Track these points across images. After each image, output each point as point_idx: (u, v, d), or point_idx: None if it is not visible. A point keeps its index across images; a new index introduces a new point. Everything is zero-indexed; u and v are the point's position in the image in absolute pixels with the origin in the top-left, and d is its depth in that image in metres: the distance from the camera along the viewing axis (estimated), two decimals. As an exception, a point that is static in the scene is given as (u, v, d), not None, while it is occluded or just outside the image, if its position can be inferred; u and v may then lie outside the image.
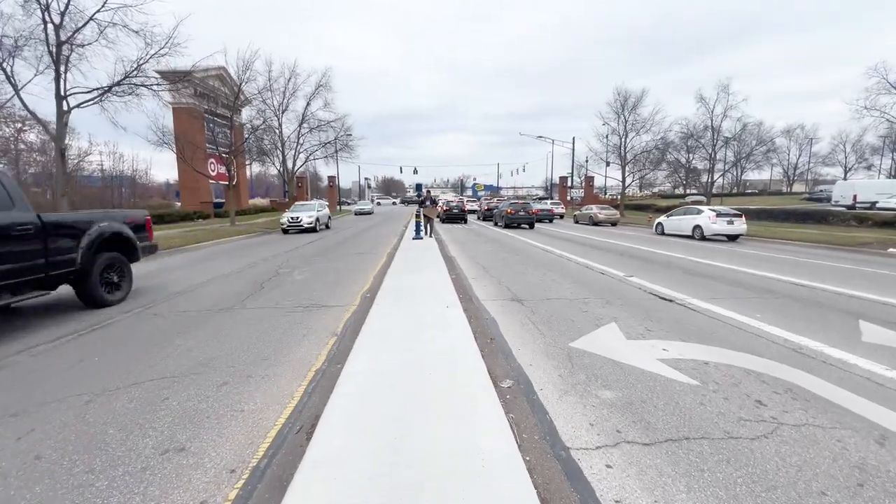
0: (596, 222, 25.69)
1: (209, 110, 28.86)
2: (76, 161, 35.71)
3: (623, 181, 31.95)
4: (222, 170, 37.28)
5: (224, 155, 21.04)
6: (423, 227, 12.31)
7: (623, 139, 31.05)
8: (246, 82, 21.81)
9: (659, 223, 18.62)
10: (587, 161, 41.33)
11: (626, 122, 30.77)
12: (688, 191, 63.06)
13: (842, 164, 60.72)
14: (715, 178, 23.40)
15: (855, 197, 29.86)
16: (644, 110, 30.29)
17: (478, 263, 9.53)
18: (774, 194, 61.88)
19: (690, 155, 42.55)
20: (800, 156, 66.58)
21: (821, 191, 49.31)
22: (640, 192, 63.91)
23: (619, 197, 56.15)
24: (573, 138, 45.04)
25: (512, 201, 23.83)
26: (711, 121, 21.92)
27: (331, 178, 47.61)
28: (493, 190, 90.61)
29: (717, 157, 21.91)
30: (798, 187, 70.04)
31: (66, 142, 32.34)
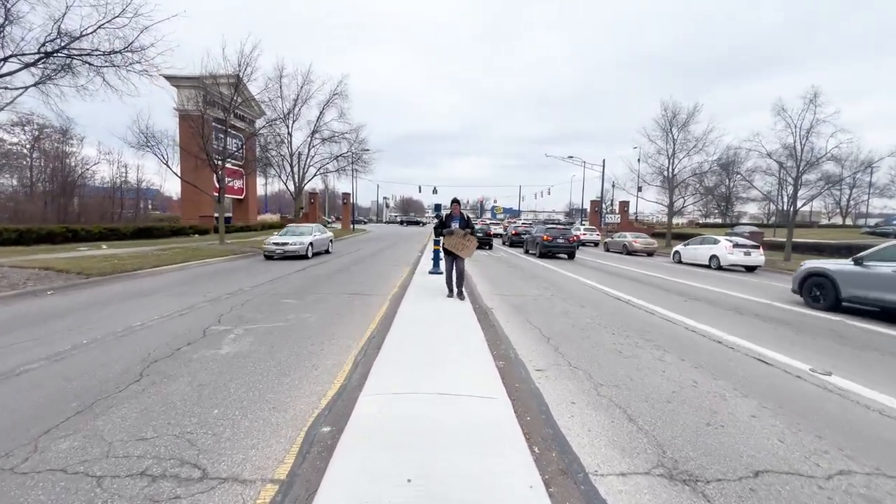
0: (630, 251, 22.55)
1: (218, 119, 26.73)
2: (79, 170, 34.00)
3: (670, 206, 27.99)
4: (231, 183, 35.25)
5: (217, 161, 18.19)
6: (444, 265, 6.36)
7: (671, 159, 27.31)
8: (248, 80, 19.13)
9: (676, 252, 18.66)
10: (613, 185, 37.66)
11: (674, 140, 27.10)
12: (729, 219, 58.08)
13: (901, 196, 54.93)
14: (799, 205, 19.24)
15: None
16: (696, 127, 26.61)
17: (538, 331, 5.89)
18: (831, 226, 56.04)
19: (730, 180, 38.46)
20: (854, 185, 61.08)
21: (887, 223, 43.90)
22: (667, 219, 59.24)
23: (653, 224, 51.92)
24: (603, 161, 41.71)
25: (549, 226, 20.23)
26: (797, 137, 18.03)
27: (345, 195, 45.09)
28: (513, 213, 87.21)
29: (801, 180, 17.93)
30: (843, 219, 63.94)
31: (67, 147, 30.41)
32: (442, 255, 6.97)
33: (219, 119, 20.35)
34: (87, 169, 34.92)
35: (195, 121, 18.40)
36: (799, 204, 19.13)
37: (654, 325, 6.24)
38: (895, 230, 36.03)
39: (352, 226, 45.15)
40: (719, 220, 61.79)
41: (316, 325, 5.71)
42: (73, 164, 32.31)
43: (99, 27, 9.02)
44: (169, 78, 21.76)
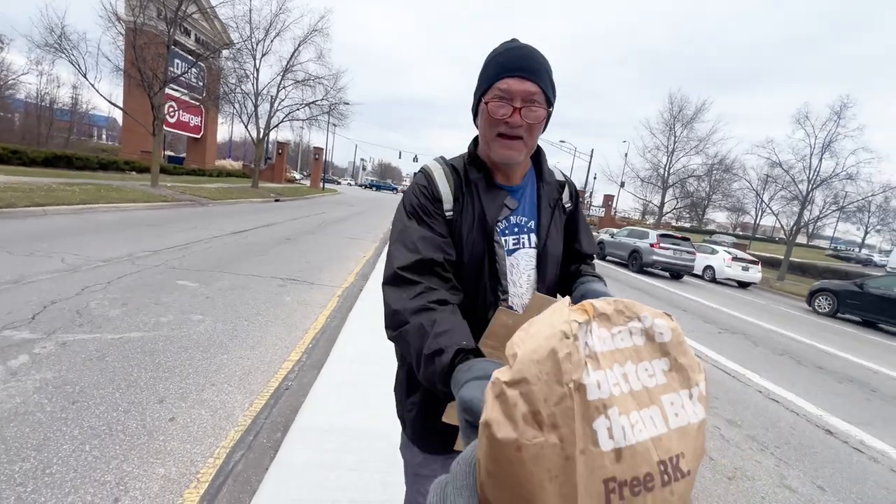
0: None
1: (179, 42, 22.60)
2: (5, 79, 28.83)
3: (661, 206, 26.63)
4: (186, 118, 30.98)
5: (153, 84, 14.73)
6: None
7: (670, 157, 25.74)
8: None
9: None
10: (594, 178, 35.95)
11: (675, 137, 25.45)
12: (701, 225, 58.24)
13: (863, 222, 56.71)
14: (805, 220, 18.15)
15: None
16: (702, 127, 25.01)
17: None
18: (796, 245, 57.19)
19: (711, 186, 37.64)
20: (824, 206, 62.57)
21: (848, 250, 45.05)
22: (643, 218, 58.93)
23: (632, 222, 51.12)
24: (592, 150, 39.91)
25: None
26: (813, 150, 16.65)
27: (317, 150, 41.32)
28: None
29: (811, 196, 16.78)
30: (807, 238, 65.88)
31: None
32: None
33: (174, 38, 16.66)
34: (12, 79, 29.71)
35: (132, 30, 14.81)
36: (805, 219, 17.97)
37: (713, 380, 4.34)
38: (857, 256, 36.81)
39: (322, 185, 41.62)
40: (689, 225, 62.20)
41: (200, 342, 3.42)
42: (-7, 69, 27.19)
43: None
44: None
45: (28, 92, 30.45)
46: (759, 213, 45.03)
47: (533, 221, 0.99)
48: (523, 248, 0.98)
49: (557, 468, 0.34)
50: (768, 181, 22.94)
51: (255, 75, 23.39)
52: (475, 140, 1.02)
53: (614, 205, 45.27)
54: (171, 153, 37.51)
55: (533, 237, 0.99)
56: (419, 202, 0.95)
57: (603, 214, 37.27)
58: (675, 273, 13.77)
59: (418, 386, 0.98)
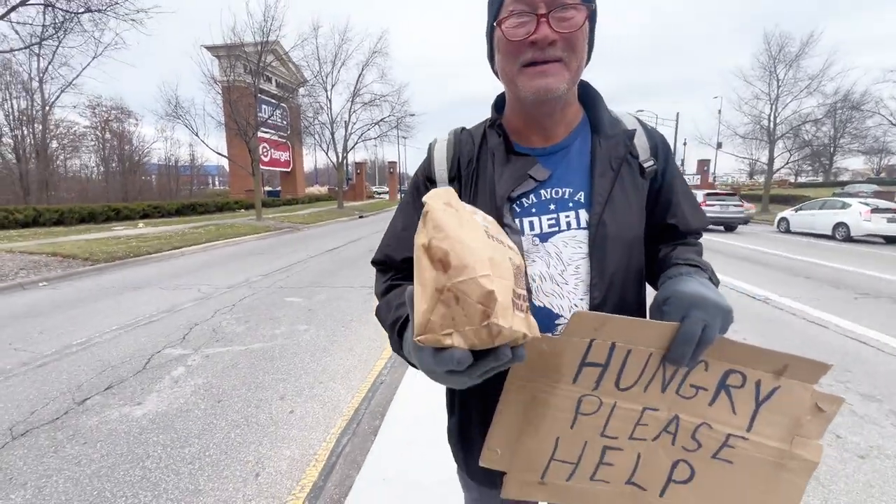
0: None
1: (263, 90, 25.74)
2: (142, 149, 35.08)
3: (770, 162, 23.19)
4: (277, 155, 34.84)
5: (248, 130, 16.96)
6: None
7: (773, 105, 22.34)
8: (276, 35, 17.42)
9: (783, 219, 15.38)
10: (685, 143, 32.05)
11: (779, 81, 22.01)
12: (832, 177, 48.88)
13: None
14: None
15: None
16: (811, 63, 21.37)
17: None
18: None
19: (836, 129, 31.29)
20: None
21: None
22: (751, 179, 51.21)
23: (737, 186, 45.00)
24: (677, 114, 36.18)
25: None
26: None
27: (391, 164, 43.49)
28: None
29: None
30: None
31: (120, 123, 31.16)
32: None
33: (259, 87, 19.09)
34: (147, 148, 36.11)
35: (227, 88, 17.24)
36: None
37: (846, 352, 3.77)
38: None
39: (399, 196, 43.76)
40: (817, 179, 52.52)
41: (307, 348, 3.93)
42: (134, 143, 33.36)
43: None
44: (209, 48, 20.76)
45: (159, 156, 36.74)
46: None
47: (583, 193, 0.71)
48: (566, 230, 0.70)
49: None
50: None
51: (329, 105, 25.51)
52: (499, 97, 0.80)
53: (712, 170, 40.54)
54: (269, 188, 42.32)
55: (583, 214, 0.70)
56: (415, 182, 0.82)
57: (700, 182, 33.54)
58: (727, 225, 15.29)
59: (452, 407, 0.84)
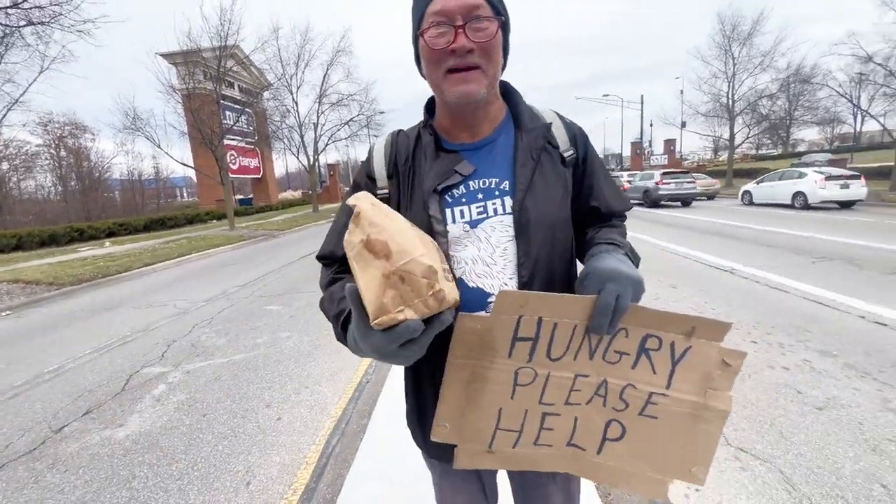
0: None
1: (226, 96, 24.95)
2: (102, 165, 33.60)
3: (731, 138, 24.08)
4: (246, 162, 33.96)
5: (212, 139, 16.48)
6: None
7: (731, 82, 23.16)
8: (234, 39, 16.91)
9: (746, 191, 15.98)
10: (651, 125, 33.04)
11: (734, 59, 22.81)
12: (789, 148, 50.98)
13: None
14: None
15: None
16: (763, 40, 22.22)
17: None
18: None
19: (790, 102, 32.76)
20: None
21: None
22: (715, 156, 53.05)
23: (703, 163, 46.46)
24: (642, 96, 37.17)
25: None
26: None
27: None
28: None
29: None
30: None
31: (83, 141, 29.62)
32: None
33: (221, 94, 18.51)
34: (107, 163, 34.62)
35: (187, 96, 16.66)
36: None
37: (804, 313, 4.01)
38: None
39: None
40: (776, 152, 54.77)
41: (291, 354, 3.91)
42: (93, 159, 31.93)
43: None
44: (165, 56, 19.96)
45: (121, 171, 35.29)
46: (861, 120, 38.71)
47: (507, 182, 0.77)
48: (493, 215, 0.77)
49: None
50: (862, 81, 19.76)
51: (295, 108, 25.03)
52: (430, 100, 0.86)
53: (678, 148, 41.73)
54: (241, 196, 41.31)
55: (507, 201, 0.76)
56: (356, 181, 0.89)
57: (667, 161, 34.50)
58: (683, 201, 16.20)
59: (408, 393, 0.94)
